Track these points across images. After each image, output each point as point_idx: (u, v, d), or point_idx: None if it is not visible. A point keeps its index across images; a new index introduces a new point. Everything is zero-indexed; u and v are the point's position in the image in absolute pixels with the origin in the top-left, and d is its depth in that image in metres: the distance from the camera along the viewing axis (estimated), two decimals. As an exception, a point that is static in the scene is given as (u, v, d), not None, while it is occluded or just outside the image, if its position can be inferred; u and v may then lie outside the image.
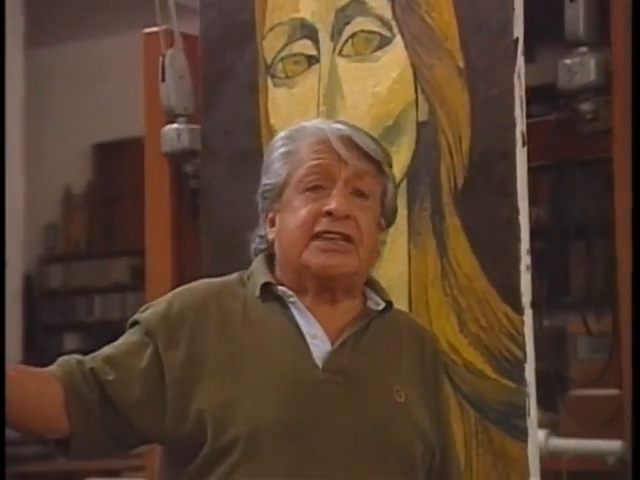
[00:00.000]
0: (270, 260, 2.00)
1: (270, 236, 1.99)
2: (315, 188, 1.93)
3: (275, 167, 1.99)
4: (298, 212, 1.93)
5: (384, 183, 2.00)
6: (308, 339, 1.92)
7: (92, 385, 1.89)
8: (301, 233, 1.92)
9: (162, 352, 1.90)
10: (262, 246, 2.02)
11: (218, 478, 1.84)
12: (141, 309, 2.00)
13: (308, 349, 1.91)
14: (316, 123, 2.04)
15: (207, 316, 1.93)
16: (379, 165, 1.98)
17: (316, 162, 1.94)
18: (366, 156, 1.95)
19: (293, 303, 1.94)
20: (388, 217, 2.04)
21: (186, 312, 1.94)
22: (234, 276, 2.03)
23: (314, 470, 1.85)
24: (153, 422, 1.90)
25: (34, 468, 5.52)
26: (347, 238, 1.91)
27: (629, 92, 2.50)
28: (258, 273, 1.98)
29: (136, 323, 1.96)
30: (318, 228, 1.91)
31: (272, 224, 1.99)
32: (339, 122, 2.05)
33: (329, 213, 1.90)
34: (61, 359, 1.92)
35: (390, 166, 2.03)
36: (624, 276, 2.51)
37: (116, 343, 1.95)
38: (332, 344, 1.93)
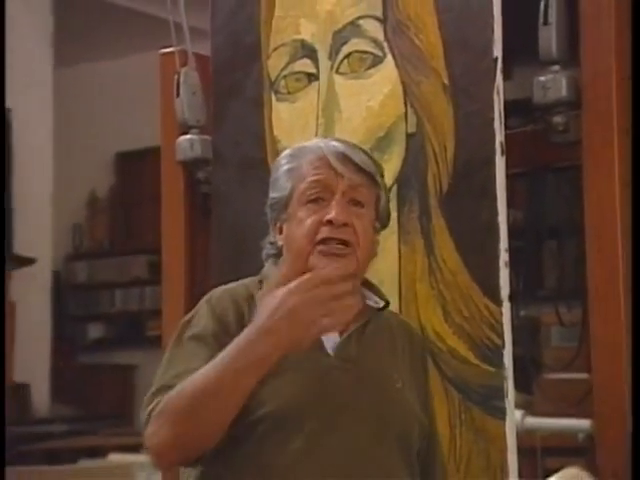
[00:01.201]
0: (280, 264, 2.04)
1: (279, 243, 2.03)
2: (316, 200, 1.98)
3: (281, 182, 2.03)
4: (303, 222, 1.97)
5: (377, 192, 2.04)
6: None
7: None
8: (306, 241, 1.96)
9: (212, 342, 1.92)
10: (272, 251, 2.07)
11: (250, 446, 1.88)
12: (187, 317, 2.02)
13: (320, 340, 1.94)
14: (316, 142, 2.08)
15: (242, 315, 1.96)
16: (372, 176, 2.02)
17: (316, 177, 1.98)
18: (360, 169, 1.99)
19: None
20: (382, 220, 2.08)
21: (227, 313, 1.97)
22: (249, 280, 2.06)
23: (328, 442, 1.89)
24: None
25: (61, 444, 5.51)
26: (346, 243, 1.96)
27: (597, 106, 2.50)
28: (270, 278, 2.02)
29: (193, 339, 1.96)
30: (320, 235, 1.95)
31: (280, 232, 2.03)
32: (336, 140, 2.10)
33: (329, 222, 1.95)
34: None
35: (382, 176, 2.08)
36: (592, 272, 2.50)
37: (183, 368, 1.92)
38: (340, 336, 1.98)
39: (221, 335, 1.92)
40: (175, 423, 1.80)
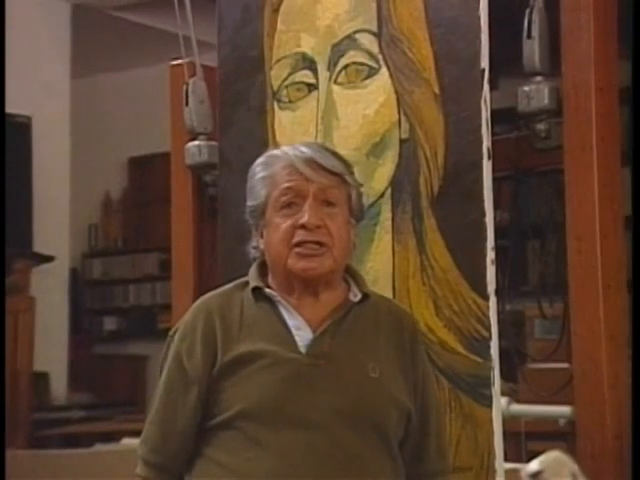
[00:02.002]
0: (263, 266, 2.04)
1: (261, 247, 2.03)
2: (289, 205, 1.97)
3: (256, 190, 2.03)
4: (279, 228, 1.97)
5: (348, 190, 2.02)
6: (293, 331, 1.96)
7: None
8: (283, 245, 1.96)
9: (185, 363, 1.97)
10: (256, 254, 2.06)
11: (227, 439, 1.91)
12: (170, 333, 2.06)
13: (293, 339, 1.94)
14: (285, 149, 2.06)
15: (212, 328, 1.97)
16: (341, 177, 2.00)
17: (287, 185, 1.97)
18: (328, 172, 1.98)
19: (279, 302, 1.98)
20: (356, 216, 2.05)
21: (195, 333, 1.98)
22: (235, 283, 2.06)
23: (300, 436, 1.88)
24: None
25: (78, 430, 5.50)
26: (320, 244, 1.95)
27: (577, 114, 2.50)
28: (252, 279, 2.02)
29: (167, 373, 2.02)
30: (296, 239, 1.95)
31: (262, 236, 2.03)
32: (304, 145, 2.06)
33: (303, 226, 1.94)
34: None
35: (352, 174, 2.04)
36: (573, 269, 2.50)
37: (153, 423, 2.02)
38: (314, 333, 1.96)
39: (185, 363, 1.97)
40: None
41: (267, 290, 1.99)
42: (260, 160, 2.07)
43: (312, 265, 1.94)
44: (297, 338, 1.94)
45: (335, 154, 2.05)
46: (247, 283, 2.02)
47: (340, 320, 1.98)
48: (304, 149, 2.01)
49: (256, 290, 1.99)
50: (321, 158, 1.98)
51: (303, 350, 1.94)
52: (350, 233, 2.02)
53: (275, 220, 1.97)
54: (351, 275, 2.06)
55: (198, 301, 2.06)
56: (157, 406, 2.00)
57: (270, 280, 2.01)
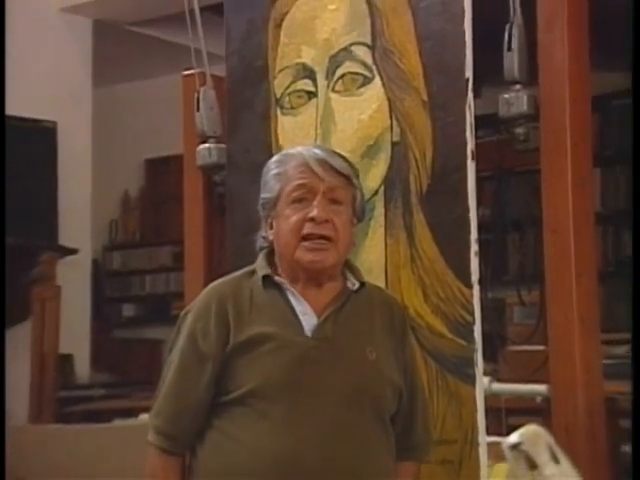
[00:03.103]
0: (270, 255, 2.04)
1: (270, 237, 2.03)
2: (300, 200, 1.97)
3: (270, 185, 2.02)
4: (289, 219, 1.97)
5: (353, 192, 2.03)
6: (300, 315, 1.96)
7: None
8: (292, 236, 1.96)
9: (200, 342, 1.96)
10: (264, 244, 2.05)
11: (233, 420, 1.91)
12: (182, 314, 2.05)
13: (300, 323, 1.95)
14: (299, 150, 2.06)
15: (224, 310, 1.96)
16: (348, 179, 2.01)
17: (300, 181, 1.97)
18: (338, 173, 1.99)
19: (287, 289, 1.98)
20: (359, 216, 2.07)
21: (209, 313, 1.97)
22: (243, 271, 2.05)
23: (305, 412, 1.89)
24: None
25: (99, 406, 5.50)
26: (327, 238, 1.95)
27: (553, 120, 2.50)
28: (260, 268, 2.01)
29: (180, 352, 2.00)
30: (305, 231, 1.95)
31: (271, 227, 2.02)
32: (317, 148, 2.09)
33: (312, 219, 1.94)
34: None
35: (357, 178, 2.05)
36: (549, 260, 2.50)
37: (166, 400, 2.01)
38: (318, 318, 1.96)
39: (199, 341, 1.96)
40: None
41: (277, 278, 1.98)
42: (276, 158, 2.07)
43: (318, 258, 1.95)
44: (303, 323, 1.95)
45: (344, 158, 2.06)
46: (254, 271, 2.02)
47: (341, 307, 1.98)
48: (317, 151, 2.03)
49: (265, 278, 1.98)
50: (332, 160, 1.99)
51: (309, 334, 1.94)
52: (352, 231, 2.03)
53: (286, 212, 1.97)
54: (347, 266, 2.06)
55: (209, 286, 2.06)
56: (171, 381, 1.99)
57: (278, 269, 2.01)
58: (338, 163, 2.00)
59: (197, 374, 1.95)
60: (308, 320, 1.95)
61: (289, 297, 1.97)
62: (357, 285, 2.03)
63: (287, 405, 1.88)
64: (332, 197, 1.97)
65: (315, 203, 1.95)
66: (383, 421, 1.98)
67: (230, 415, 1.92)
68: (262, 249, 2.06)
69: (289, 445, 1.85)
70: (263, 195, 2.04)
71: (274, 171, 2.03)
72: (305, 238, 1.95)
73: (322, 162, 1.98)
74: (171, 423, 1.97)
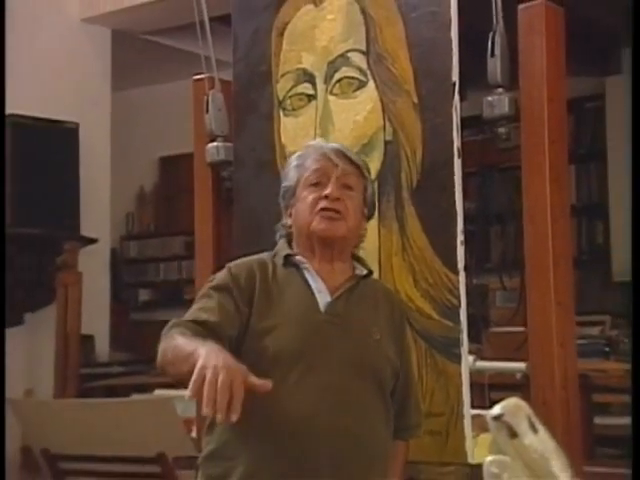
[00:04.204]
0: (289, 242, 2.05)
1: (290, 223, 2.05)
2: (317, 184, 2.00)
3: (290, 174, 2.06)
4: (306, 199, 2.00)
5: (364, 182, 2.06)
6: (315, 292, 1.98)
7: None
8: (309, 212, 1.99)
9: (236, 297, 1.93)
10: (284, 232, 2.07)
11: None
12: (210, 279, 2.03)
13: (315, 299, 1.96)
14: (319, 142, 2.15)
15: (253, 277, 1.97)
16: (360, 169, 2.05)
17: (316, 166, 2.01)
18: (351, 162, 2.03)
19: (305, 268, 2.00)
20: (370, 208, 2.09)
21: (241, 273, 1.98)
22: (266, 254, 2.06)
23: (317, 377, 1.89)
24: (236, 336, 1.91)
25: (118, 382, 5.50)
26: (338, 212, 1.98)
27: (532, 120, 2.49)
28: (282, 250, 2.04)
29: (212, 288, 1.97)
30: (319, 206, 1.98)
31: (290, 215, 2.04)
32: (334, 143, 2.16)
33: (326, 196, 1.97)
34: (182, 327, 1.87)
35: (369, 172, 2.10)
36: (528, 249, 2.50)
37: (205, 305, 1.93)
38: (331, 296, 1.98)
39: (232, 286, 1.94)
40: (161, 357, 1.84)
41: (297, 257, 2.01)
42: (297, 154, 2.10)
43: (330, 227, 1.97)
44: (318, 299, 1.96)
45: (356, 154, 2.13)
46: (274, 255, 2.04)
47: (351, 289, 2.01)
48: (334, 144, 2.11)
49: (286, 257, 2.01)
50: (346, 151, 2.06)
51: (322, 309, 1.96)
52: (363, 219, 2.06)
53: (304, 194, 2.00)
54: (356, 259, 2.09)
55: (234, 261, 2.05)
56: (207, 300, 1.93)
57: (294, 252, 2.03)
58: (352, 154, 2.07)
59: (229, 305, 1.92)
60: (322, 297, 1.97)
61: (306, 275, 1.99)
62: (365, 272, 2.06)
63: (301, 374, 1.89)
64: (345, 182, 2.00)
65: (329, 185, 1.99)
66: (384, 394, 2.00)
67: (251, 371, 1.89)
68: (281, 237, 2.08)
69: (303, 408, 1.86)
70: (284, 184, 2.08)
71: (294, 163, 2.07)
72: (320, 212, 1.98)
73: (337, 151, 2.03)
74: (211, 316, 1.89)
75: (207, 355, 1.62)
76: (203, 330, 1.84)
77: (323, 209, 1.98)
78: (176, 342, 1.79)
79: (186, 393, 1.60)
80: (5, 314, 4.49)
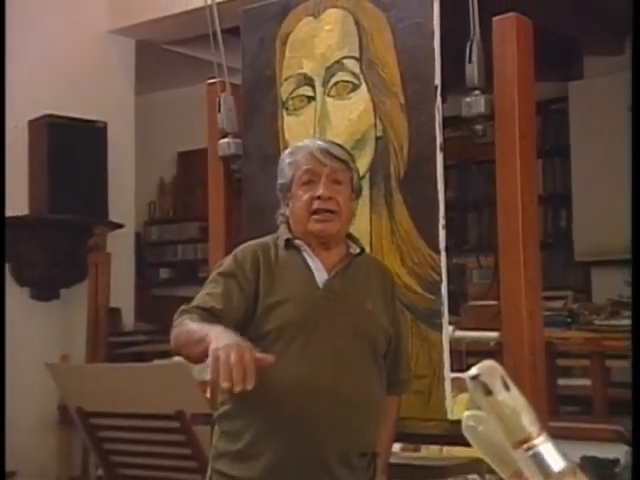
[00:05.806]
0: (289, 227, 2.04)
1: (287, 213, 2.04)
2: (309, 182, 1.98)
3: (285, 172, 2.03)
4: (301, 199, 1.98)
5: (351, 174, 2.05)
6: (314, 271, 1.97)
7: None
8: (304, 211, 1.97)
9: (241, 281, 1.92)
10: (282, 220, 2.06)
11: (265, 350, 1.83)
12: (218, 264, 2.02)
13: (313, 277, 1.96)
14: (306, 142, 2.09)
15: (257, 261, 1.96)
16: (346, 164, 2.03)
17: (307, 167, 1.99)
18: (337, 159, 2.00)
19: (304, 250, 1.99)
20: (356, 192, 2.08)
21: (246, 259, 1.96)
22: (268, 237, 2.05)
23: (317, 346, 1.90)
24: (243, 317, 1.90)
25: (142, 349, 5.51)
26: (331, 211, 1.96)
27: (505, 119, 2.47)
28: (283, 234, 2.02)
29: (220, 274, 1.96)
30: (314, 207, 1.96)
31: (287, 206, 2.03)
32: (320, 140, 2.13)
33: (319, 197, 1.96)
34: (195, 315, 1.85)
35: (354, 162, 2.08)
36: (501, 232, 2.48)
37: (212, 291, 1.91)
38: (328, 274, 1.98)
39: (238, 272, 1.93)
40: (175, 341, 1.83)
41: (296, 241, 1.99)
42: (288, 150, 2.08)
43: (325, 227, 1.96)
44: (317, 277, 1.96)
45: (342, 147, 2.08)
46: (277, 238, 2.02)
47: (346, 267, 2.00)
48: (320, 142, 2.06)
49: (287, 241, 1.99)
50: (332, 149, 2.01)
51: (321, 286, 1.95)
52: (352, 205, 2.05)
53: (298, 193, 1.98)
54: (349, 237, 2.08)
55: (241, 247, 2.04)
56: (214, 286, 1.92)
57: (294, 237, 2.01)
58: (337, 151, 2.02)
59: (235, 290, 1.91)
60: (320, 275, 1.97)
61: (305, 256, 1.98)
62: (358, 250, 2.05)
63: (303, 342, 1.89)
64: (334, 178, 1.98)
65: (320, 184, 1.96)
66: (377, 358, 2.00)
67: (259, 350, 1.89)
68: (281, 223, 2.07)
69: (306, 372, 1.87)
70: (280, 180, 2.05)
71: (287, 160, 2.03)
72: (314, 212, 1.96)
73: (324, 151, 2.00)
74: (217, 303, 1.88)
75: (217, 338, 1.64)
76: (209, 316, 1.84)
77: (317, 210, 1.95)
78: (188, 328, 1.80)
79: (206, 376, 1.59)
80: (5, 304, 4.49)
